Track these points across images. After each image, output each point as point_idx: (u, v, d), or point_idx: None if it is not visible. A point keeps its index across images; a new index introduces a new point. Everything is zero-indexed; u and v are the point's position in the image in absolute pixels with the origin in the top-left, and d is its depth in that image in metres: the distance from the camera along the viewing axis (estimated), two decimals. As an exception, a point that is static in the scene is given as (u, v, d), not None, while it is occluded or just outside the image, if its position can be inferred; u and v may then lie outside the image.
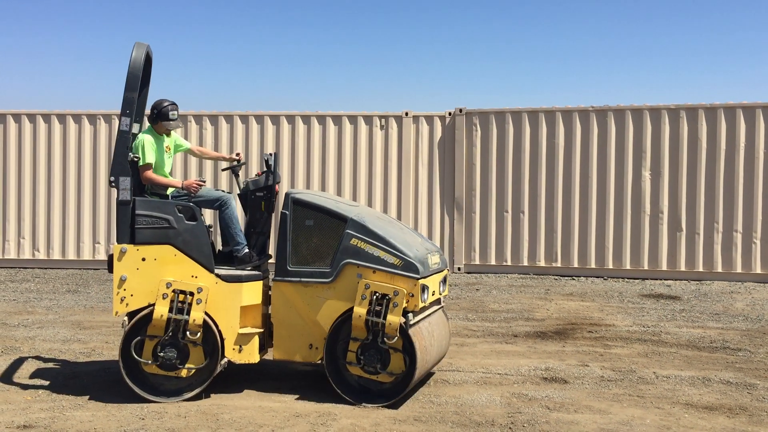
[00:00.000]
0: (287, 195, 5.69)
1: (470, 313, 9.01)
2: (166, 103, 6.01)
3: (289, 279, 5.60)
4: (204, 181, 6.00)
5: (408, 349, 5.39)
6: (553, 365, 6.60)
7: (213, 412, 5.24)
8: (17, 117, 12.70)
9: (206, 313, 5.53)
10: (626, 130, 11.73)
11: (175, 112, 6.04)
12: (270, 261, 6.07)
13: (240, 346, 5.60)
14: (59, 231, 12.64)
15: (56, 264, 12.61)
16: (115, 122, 12.58)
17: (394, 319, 5.33)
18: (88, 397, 5.57)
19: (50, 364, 6.59)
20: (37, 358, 6.80)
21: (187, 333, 5.47)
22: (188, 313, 5.46)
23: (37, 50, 36.12)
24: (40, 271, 12.29)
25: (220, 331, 5.56)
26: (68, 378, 6.13)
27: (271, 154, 5.94)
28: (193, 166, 12.53)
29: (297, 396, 5.66)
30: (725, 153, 11.42)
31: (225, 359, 5.58)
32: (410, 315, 5.41)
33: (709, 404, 5.53)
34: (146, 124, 6.20)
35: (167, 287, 5.48)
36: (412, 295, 5.40)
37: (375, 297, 5.37)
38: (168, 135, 6.21)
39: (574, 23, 34.38)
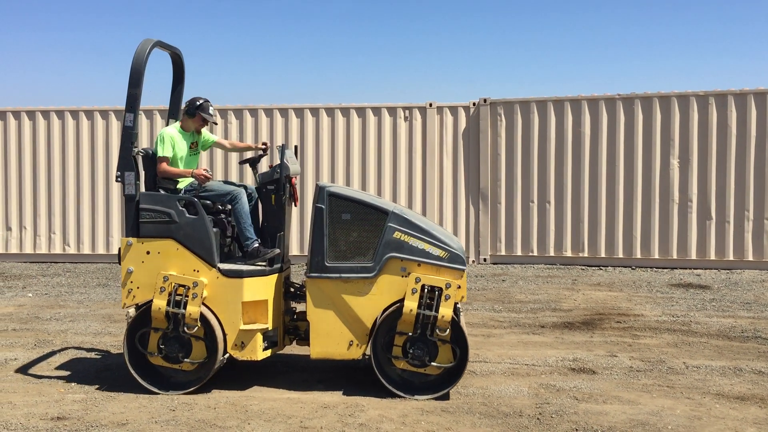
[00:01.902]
0: (322, 189, 5.54)
1: (496, 304, 8.98)
2: (202, 99, 6.11)
3: (328, 275, 5.47)
4: (210, 173, 6.01)
5: (457, 340, 5.40)
6: (581, 356, 6.56)
7: (242, 404, 5.29)
8: (46, 114, 12.89)
9: (209, 308, 5.55)
10: (654, 118, 11.57)
11: (212, 108, 6.17)
12: (285, 254, 5.97)
13: (242, 343, 5.55)
14: (89, 226, 12.82)
15: (86, 258, 12.81)
16: (142, 118, 12.72)
17: (447, 311, 5.32)
18: (119, 389, 5.65)
19: (82, 357, 6.70)
20: (70, 350, 6.92)
21: (185, 327, 5.50)
22: (185, 307, 5.49)
23: (66, 47, 36.57)
24: (70, 266, 12.48)
25: (222, 327, 5.55)
26: (100, 370, 6.23)
27: (280, 146, 5.84)
28: (218, 161, 12.62)
29: (325, 388, 5.69)
30: (756, 139, 11.22)
31: (226, 354, 5.57)
32: (458, 306, 5.42)
33: (741, 394, 5.46)
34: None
35: (164, 281, 5.52)
36: (459, 287, 5.39)
37: (426, 290, 5.36)
38: (198, 132, 6.25)
39: (598, 10, 33.96)
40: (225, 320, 5.56)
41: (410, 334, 5.39)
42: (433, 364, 5.39)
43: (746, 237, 11.25)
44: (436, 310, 5.32)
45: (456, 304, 5.41)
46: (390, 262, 5.44)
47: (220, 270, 5.58)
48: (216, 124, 6.47)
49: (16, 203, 12.90)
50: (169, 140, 5.95)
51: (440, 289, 5.36)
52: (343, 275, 5.47)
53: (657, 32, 33.90)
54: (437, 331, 5.35)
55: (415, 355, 5.39)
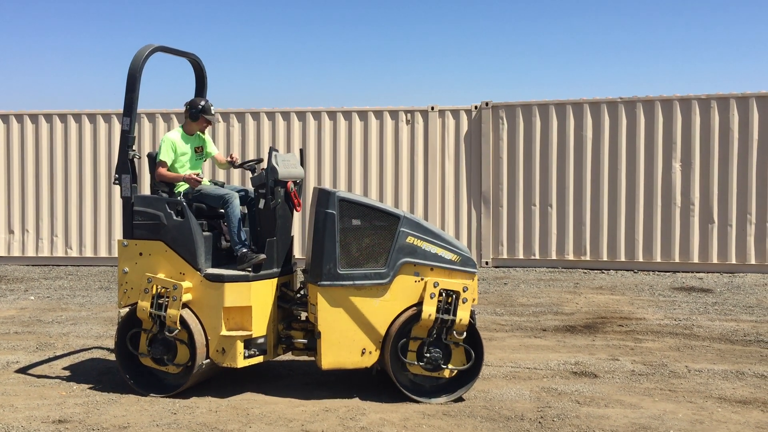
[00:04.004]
0: (332, 194, 5.42)
1: (498, 308, 8.97)
2: (203, 101, 6.16)
3: (341, 283, 5.36)
4: (201, 176, 6.00)
5: (472, 342, 5.41)
6: (583, 359, 6.54)
7: (243, 407, 5.28)
8: (49, 117, 12.92)
9: (193, 312, 5.53)
10: (656, 121, 11.57)
11: (213, 108, 6.21)
12: (280, 260, 5.80)
13: (223, 349, 5.49)
14: (91, 229, 12.84)
15: (88, 261, 12.82)
16: (145, 121, 12.73)
17: (465, 315, 5.32)
18: (121, 391, 5.65)
19: (84, 360, 6.70)
20: (71, 354, 6.92)
21: (167, 330, 5.49)
22: (166, 310, 5.49)
23: (69, 51, 36.65)
24: (73, 269, 12.50)
25: (205, 331, 5.51)
26: (101, 373, 6.23)
27: (269, 149, 5.74)
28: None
29: (326, 391, 5.68)
30: (758, 142, 11.21)
31: (207, 360, 5.51)
32: (473, 309, 5.43)
33: (743, 398, 5.45)
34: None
35: (148, 282, 5.53)
36: (472, 290, 5.40)
37: (443, 295, 5.35)
38: (203, 132, 6.26)
39: (600, 14, 33.98)
40: (207, 325, 5.52)
41: (426, 338, 5.38)
42: (448, 367, 5.39)
43: (748, 240, 11.23)
44: (454, 314, 5.32)
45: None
46: (403, 267, 5.40)
47: (204, 274, 5.56)
48: (218, 122, 6.53)
49: (18, 206, 12.92)
50: (170, 145, 5.98)
51: (457, 293, 5.35)
52: (356, 282, 5.38)
53: (659, 35, 33.91)
54: (454, 334, 5.35)
55: (431, 359, 5.38)
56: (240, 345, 5.49)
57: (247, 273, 5.58)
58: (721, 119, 11.34)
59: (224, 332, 5.49)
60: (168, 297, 5.48)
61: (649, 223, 11.58)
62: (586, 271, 11.67)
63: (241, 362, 5.51)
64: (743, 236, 11.25)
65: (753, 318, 8.27)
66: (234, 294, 5.50)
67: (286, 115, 12.65)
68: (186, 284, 5.51)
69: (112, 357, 6.77)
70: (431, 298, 5.33)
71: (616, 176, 11.72)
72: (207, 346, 5.51)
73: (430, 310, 5.31)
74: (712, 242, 11.35)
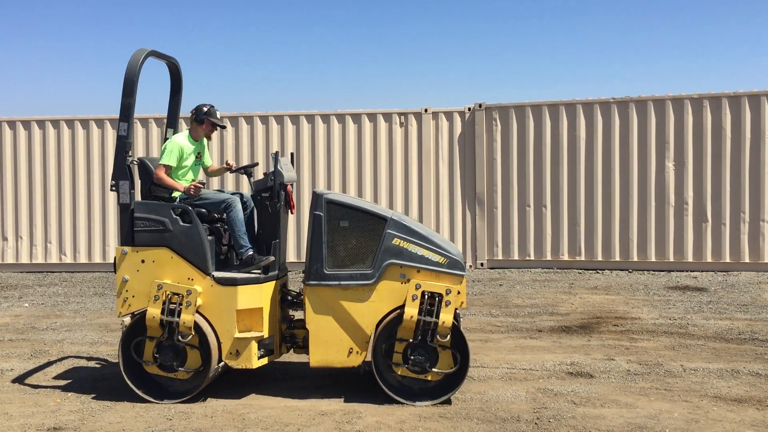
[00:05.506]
0: (320, 196, 5.51)
1: (494, 309, 8.98)
2: (208, 105, 6.12)
3: (327, 283, 5.45)
4: (203, 184, 6.00)
5: (458, 345, 5.41)
6: (579, 360, 6.55)
7: (239, 412, 5.27)
8: (41, 123, 12.88)
9: (203, 316, 5.53)
10: (648, 121, 11.60)
11: (219, 113, 6.19)
12: (281, 262, 5.92)
13: (237, 351, 5.52)
14: (85, 235, 12.80)
15: (83, 267, 12.78)
16: (138, 126, 12.69)
17: (448, 317, 5.32)
18: (116, 398, 5.63)
19: (78, 367, 6.68)
20: (66, 360, 6.89)
21: (180, 335, 5.48)
22: (179, 316, 5.47)
23: (61, 56, 36.58)
24: (67, 275, 12.45)
25: (217, 335, 5.53)
26: (96, 380, 6.21)
27: (274, 153, 5.80)
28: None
29: (322, 395, 5.68)
30: (750, 141, 11.25)
31: (221, 363, 5.54)
32: (458, 312, 5.43)
33: (738, 396, 5.46)
34: (184, 128, 6.21)
35: (158, 289, 5.52)
36: (459, 293, 5.40)
37: (426, 297, 5.36)
38: (209, 138, 6.25)
39: (593, 15, 34.09)
40: (219, 328, 5.54)
41: (411, 340, 5.39)
42: (434, 370, 5.39)
43: (742, 239, 11.26)
44: (437, 317, 5.32)
45: (456, 309, 5.41)
46: (389, 268, 5.43)
47: (214, 278, 5.57)
48: (225, 127, 6.51)
49: (12, 213, 12.87)
50: (178, 150, 5.94)
51: (440, 295, 5.35)
52: (342, 282, 5.45)
53: (651, 36, 34.04)
54: (438, 337, 5.35)
55: (416, 361, 5.38)
56: (254, 346, 5.55)
57: (258, 275, 5.64)
58: (713, 118, 11.37)
59: (238, 334, 5.52)
60: (181, 303, 5.47)
61: (643, 223, 11.60)
62: (581, 271, 11.68)
63: (256, 363, 5.57)
64: (737, 235, 11.28)
65: (747, 316, 8.29)
66: (247, 296, 5.55)
67: (279, 119, 12.64)
68: (198, 289, 5.52)
69: (107, 363, 6.76)
70: (413, 300, 5.35)
71: (609, 176, 11.74)
72: (219, 349, 5.52)
73: (411, 311, 5.33)
74: (706, 241, 11.38)
